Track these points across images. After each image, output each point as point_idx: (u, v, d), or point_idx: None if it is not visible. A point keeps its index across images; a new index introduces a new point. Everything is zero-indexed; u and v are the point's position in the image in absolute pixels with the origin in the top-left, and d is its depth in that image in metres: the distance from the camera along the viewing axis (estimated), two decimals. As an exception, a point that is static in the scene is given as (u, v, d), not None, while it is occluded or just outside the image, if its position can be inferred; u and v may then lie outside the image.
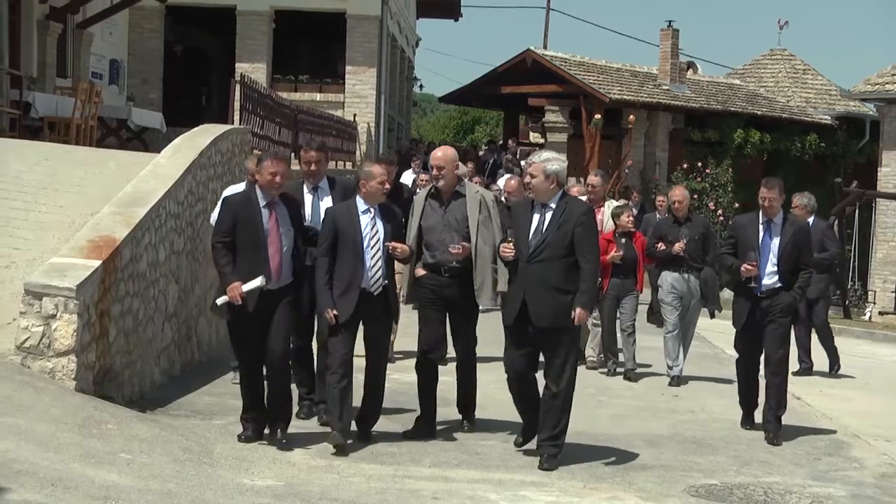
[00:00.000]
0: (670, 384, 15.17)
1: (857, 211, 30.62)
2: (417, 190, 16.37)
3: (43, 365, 10.13)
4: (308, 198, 11.85)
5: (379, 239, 10.73)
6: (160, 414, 10.56)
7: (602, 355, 16.13)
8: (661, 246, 14.81)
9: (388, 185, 11.95)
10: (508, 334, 10.44)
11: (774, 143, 41.94)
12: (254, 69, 33.76)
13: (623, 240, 15.24)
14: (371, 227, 10.73)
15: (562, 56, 42.02)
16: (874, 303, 29.07)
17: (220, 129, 16.25)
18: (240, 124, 21.00)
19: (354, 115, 34.63)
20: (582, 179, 16.43)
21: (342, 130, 31.57)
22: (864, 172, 33.26)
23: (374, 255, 10.66)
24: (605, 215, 15.58)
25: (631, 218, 15.61)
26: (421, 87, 54.39)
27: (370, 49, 36.44)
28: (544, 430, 10.28)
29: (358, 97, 35.80)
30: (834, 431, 13.21)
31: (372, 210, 10.80)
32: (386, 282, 10.87)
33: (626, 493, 10.00)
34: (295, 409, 11.43)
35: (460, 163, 15.30)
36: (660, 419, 13.33)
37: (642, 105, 40.60)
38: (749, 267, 12.02)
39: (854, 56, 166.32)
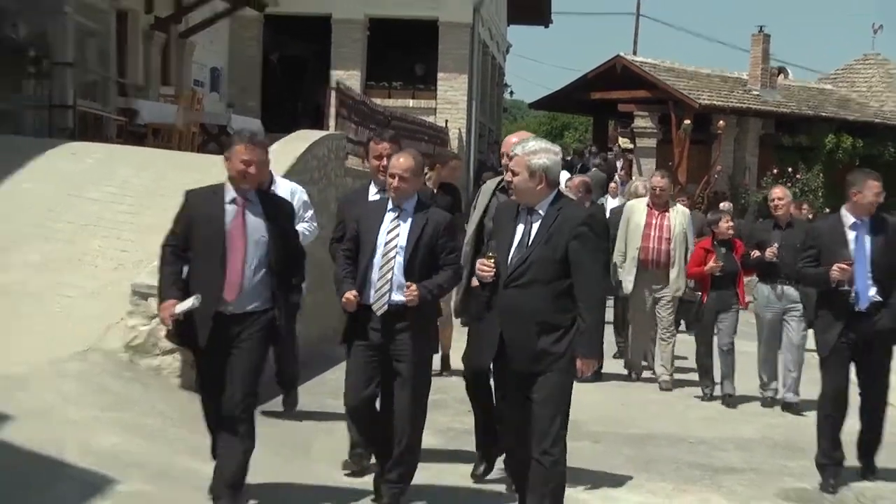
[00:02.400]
0: (791, 410, 13.35)
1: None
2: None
3: (149, 362, 10.30)
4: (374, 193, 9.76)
5: (398, 247, 8.42)
6: (260, 411, 10.66)
7: (671, 375, 14.70)
8: (755, 253, 13.32)
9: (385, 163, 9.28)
10: (471, 376, 8.75)
11: (867, 149, 41.06)
12: (348, 76, 33.83)
13: (723, 249, 13.72)
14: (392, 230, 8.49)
15: (651, 62, 41.90)
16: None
17: (315, 134, 16.40)
18: (335, 130, 21.10)
19: (446, 121, 34.66)
20: (659, 179, 14.72)
21: (434, 136, 31.58)
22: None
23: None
24: (672, 221, 14.43)
25: (731, 224, 14.13)
26: (511, 93, 54.42)
27: (462, 56, 36.40)
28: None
29: (449, 103, 35.77)
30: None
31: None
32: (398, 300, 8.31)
33: (715, 495, 9.96)
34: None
35: (566, 171, 15.30)
36: (749, 422, 13.01)
37: (732, 110, 40.03)
38: (844, 267, 9.75)
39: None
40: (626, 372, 15.09)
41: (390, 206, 8.48)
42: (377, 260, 8.28)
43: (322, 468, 9.43)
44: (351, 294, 8.24)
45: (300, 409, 11.34)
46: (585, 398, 12.23)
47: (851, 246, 10.01)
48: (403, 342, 8.28)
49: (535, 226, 7.61)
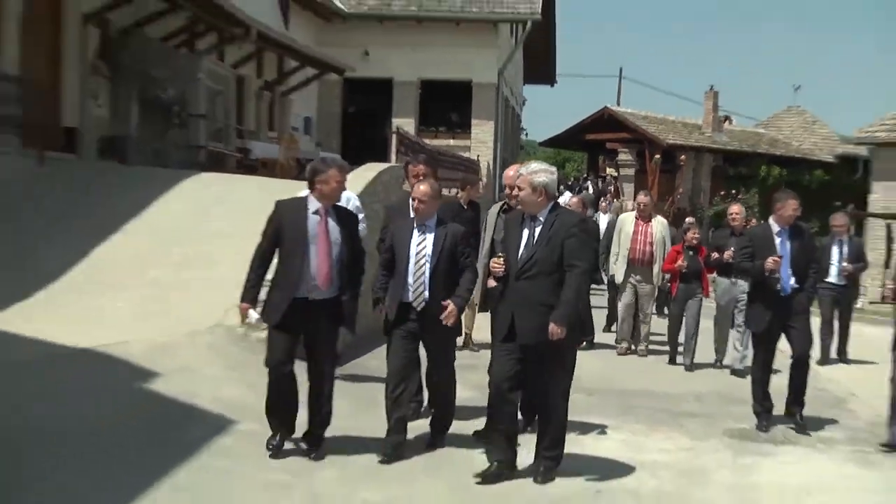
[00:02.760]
0: (738, 375, 13.26)
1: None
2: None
3: (258, 335, 10.29)
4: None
5: (426, 255, 8.43)
6: (341, 370, 10.63)
7: (628, 344, 14.85)
8: (714, 255, 13.66)
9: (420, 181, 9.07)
10: (496, 351, 7.94)
11: (790, 176, 41.21)
12: (405, 122, 33.72)
13: (690, 252, 13.98)
14: (420, 243, 8.47)
15: (630, 111, 42.72)
16: (865, 296, 28.66)
17: (381, 166, 16.47)
18: (395, 163, 21.18)
19: (478, 156, 34.38)
20: (643, 198, 15.08)
21: (468, 166, 31.32)
22: (859, 198, 32.96)
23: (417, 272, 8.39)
24: (654, 229, 14.59)
25: (697, 234, 14.36)
26: (526, 134, 54.12)
27: (489, 107, 36.19)
28: (542, 443, 7.94)
29: (480, 142, 35.54)
30: (837, 394, 12.79)
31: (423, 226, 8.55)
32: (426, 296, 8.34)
33: (677, 433, 10.10)
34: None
35: (568, 192, 15.50)
36: (704, 381, 13.14)
37: (691, 148, 41.36)
38: (777, 259, 10.10)
39: (854, 108, 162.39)
40: (615, 344, 15.01)
41: (416, 224, 8.48)
42: (411, 268, 8.32)
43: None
44: (389, 310, 8.44)
45: (370, 373, 11.23)
46: (582, 362, 12.22)
47: (777, 248, 10.28)
48: (435, 327, 8.31)
49: (538, 230, 7.62)
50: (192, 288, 11.79)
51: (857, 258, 15.66)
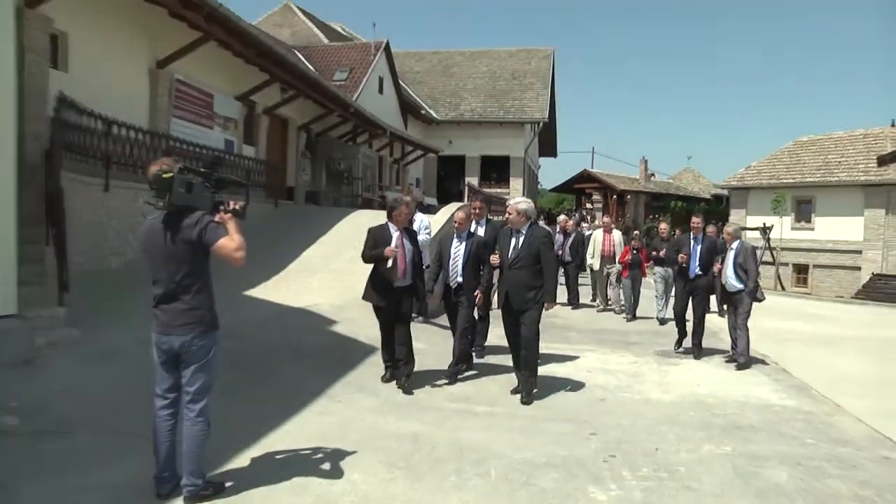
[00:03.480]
0: (661, 323, 12.67)
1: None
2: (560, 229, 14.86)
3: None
4: (474, 226, 8.75)
5: (459, 255, 7.88)
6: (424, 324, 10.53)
7: (602, 304, 14.27)
8: (654, 253, 12.71)
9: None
10: (501, 313, 7.37)
11: (687, 207, 40.89)
12: (472, 179, 33.83)
13: (634, 251, 13.47)
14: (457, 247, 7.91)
15: (598, 171, 42.11)
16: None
17: (458, 204, 16.14)
18: (467, 202, 21.13)
19: (513, 198, 34.30)
20: (607, 219, 14.96)
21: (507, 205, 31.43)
22: (724, 219, 32.76)
23: (453, 265, 7.85)
24: (614, 237, 14.10)
25: (636, 241, 13.87)
26: (540, 184, 53.63)
27: (519, 170, 35.83)
28: (524, 372, 7.27)
29: (515, 189, 35.04)
30: (714, 330, 12.19)
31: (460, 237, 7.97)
32: (460, 279, 7.82)
33: (627, 353, 9.84)
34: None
35: (565, 215, 15.31)
36: (645, 325, 12.69)
37: (633, 191, 40.22)
38: (684, 256, 9.74)
39: (725, 162, 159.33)
40: (594, 304, 14.69)
41: (455, 235, 7.96)
42: (451, 263, 7.80)
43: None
44: (436, 290, 7.97)
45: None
46: (575, 315, 12.15)
47: (691, 247, 9.85)
48: (466, 298, 7.75)
49: (521, 239, 7.16)
50: (355, 273, 11.68)
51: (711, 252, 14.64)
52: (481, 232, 8.74)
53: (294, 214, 17.13)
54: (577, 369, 8.65)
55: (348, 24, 42.49)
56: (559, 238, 14.50)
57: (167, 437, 4.45)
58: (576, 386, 7.82)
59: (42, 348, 6.76)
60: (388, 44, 29.35)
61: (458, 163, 35.68)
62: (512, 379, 7.56)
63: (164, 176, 4.15)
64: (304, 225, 15.52)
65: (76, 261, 9.27)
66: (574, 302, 14.63)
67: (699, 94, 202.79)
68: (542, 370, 8.42)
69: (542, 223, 18.70)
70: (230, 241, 4.20)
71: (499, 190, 34.72)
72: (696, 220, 10.06)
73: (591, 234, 15.37)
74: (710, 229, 11.73)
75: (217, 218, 4.31)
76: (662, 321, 12.80)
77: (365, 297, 7.37)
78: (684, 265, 9.81)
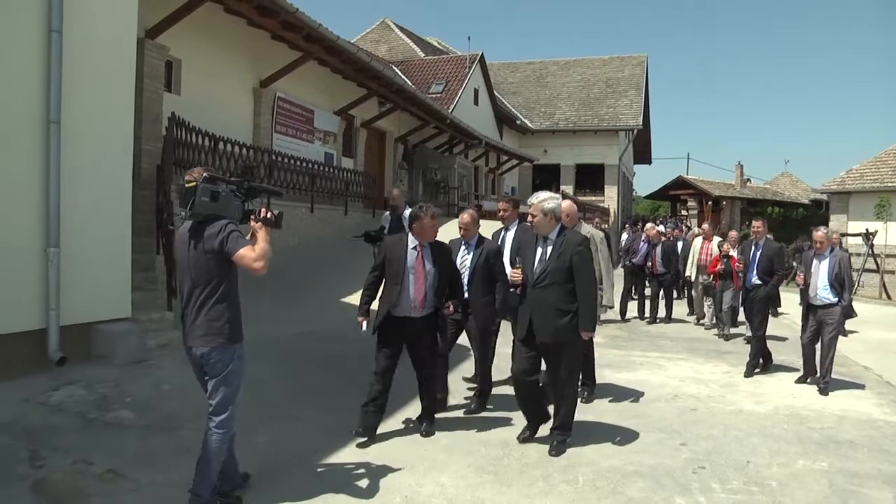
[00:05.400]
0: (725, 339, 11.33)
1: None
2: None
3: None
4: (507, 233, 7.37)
5: (466, 266, 6.51)
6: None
7: (713, 321, 12.31)
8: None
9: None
10: (518, 346, 5.63)
11: (784, 212, 39.31)
12: (567, 188, 33.48)
13: (725, 259, 11.31)
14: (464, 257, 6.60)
15: (694, 177, 40.78)
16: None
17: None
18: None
19: (608, 206, 33.68)
20: (706, 226, 13.88)
21: (603, 212, 30.88)
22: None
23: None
24: (713, 244, 12.77)
25: (728, 246, 11.46)
26: (634, 191, 52.49)
27: (614, 178, 35.20)
28: (555, 422, 5.65)
29: (610, 197, 34.57)
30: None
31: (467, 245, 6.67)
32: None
33: (720, 362, 9.44)
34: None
35: (652, 224, 14.54)
36: (722, 343, 11.82)
37: (728, 197, 38.89)
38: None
39: (824, 165, 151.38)
40: (688, 317, 13.98)
41: (462, 243, 6.63)
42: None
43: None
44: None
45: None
46: (669, 327, 11.59)
47: (750, 254, 8.69)
48: (475, 324, 6.52)
49: (549, 248, 5.46)
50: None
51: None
52: (510, 239, 7.20)
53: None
54: (669, 378, 8.37)
55: (444, 38, 43.07)
56: (643, 247, 13.32)
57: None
58: (667, 395, 7.56)
59: (153, 349, 7.07)
60: (482, 56, 29.53)
61: (553, 171, 35.33)
62: (603, 388, 7.36)
63: (188, 185, 4.06)
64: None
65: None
66: (668, 317, 13.30)
67: (797, 97, 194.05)
68: (633, 378, 8.21)
69: (625, 234, 17.47)
70: (250, 251, 3.99)
71: (594, 198, 34.20)
72: (756, 225, 8.83)
73: (687, 242, 14.17)
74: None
75: (251, 226, 4.16)
76: (748, 338, 11.93)
77: (375, 326, 5.68)
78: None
